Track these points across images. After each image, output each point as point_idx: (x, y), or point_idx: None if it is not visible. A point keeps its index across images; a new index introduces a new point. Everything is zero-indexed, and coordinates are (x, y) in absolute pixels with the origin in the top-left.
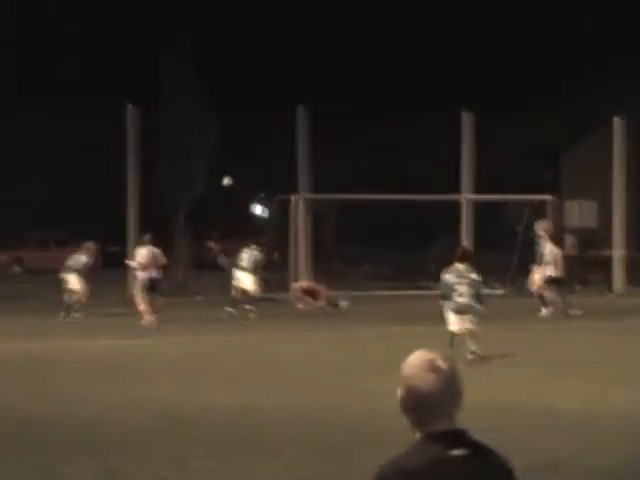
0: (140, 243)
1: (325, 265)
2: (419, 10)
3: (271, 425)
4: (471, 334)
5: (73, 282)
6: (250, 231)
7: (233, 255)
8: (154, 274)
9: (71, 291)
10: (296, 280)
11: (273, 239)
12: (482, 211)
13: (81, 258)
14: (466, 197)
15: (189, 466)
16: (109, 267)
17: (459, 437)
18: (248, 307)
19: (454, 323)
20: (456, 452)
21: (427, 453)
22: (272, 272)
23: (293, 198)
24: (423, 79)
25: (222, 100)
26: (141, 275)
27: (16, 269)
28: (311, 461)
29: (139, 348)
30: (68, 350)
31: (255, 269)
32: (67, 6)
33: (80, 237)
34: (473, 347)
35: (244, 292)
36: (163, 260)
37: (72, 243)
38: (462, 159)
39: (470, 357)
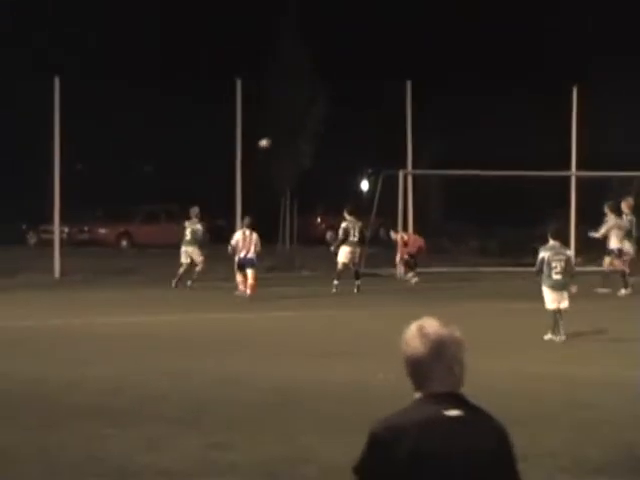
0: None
1: (432, 241)
2: None
3: (379, 402)
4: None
5: (194, 254)
6: (357, 207)
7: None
8: (245, 254)
9: (191, 263)
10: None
11: (379, 215)
12: (591, 188)
13: (198, 227)
14: (575, 174)
15: (298, 441)
16: (216, 242)
17: (454, 399)
18: (357, 282)
19: (552, 301)
20: (450, 413)
21: (420, 412)
22: (378, 248)
23: (401, 174)
24: (531, 54)
25: (330, 76)
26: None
27: (124, 244)
28: None
29: (245, 322)
30: (172, 324)
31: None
32: None
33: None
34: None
35: (345, 265)
36: (258, 246)
37: (182, 217)
38: (572, 135)
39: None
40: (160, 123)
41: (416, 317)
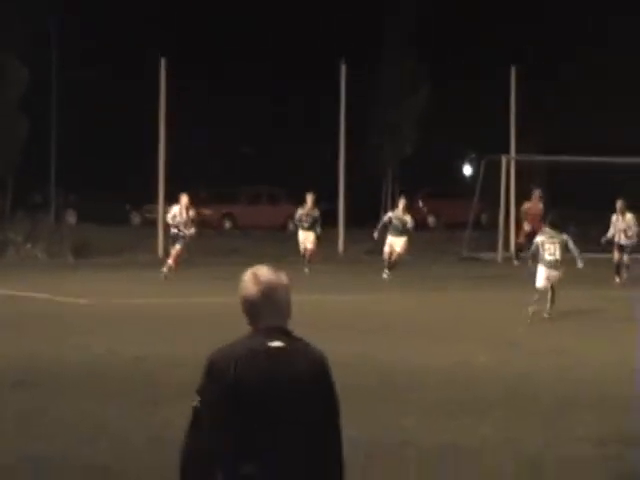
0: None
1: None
2: None
3: (482, 386)
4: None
5: (309, 238)
6: (458, 191)
7: (441, 215)
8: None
9: (305, 248)
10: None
11: (481, 200)
12: None
13: (316, 212)
14: None
15: (400, 423)
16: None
17: (279, 332)
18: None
19: (543, 279)
20: (273, 344)
21: (249, 343)
22: (480, 232)
23: (503, 159)
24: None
25: (434, 62)
26: None
27: (227, 225)
28: (523, 423)
29: (352, 304)
30: None
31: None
32: None
33: (292, 194)
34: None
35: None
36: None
37: (284, 200)
38: None
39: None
40: (262, 106)
41: (508, 301)
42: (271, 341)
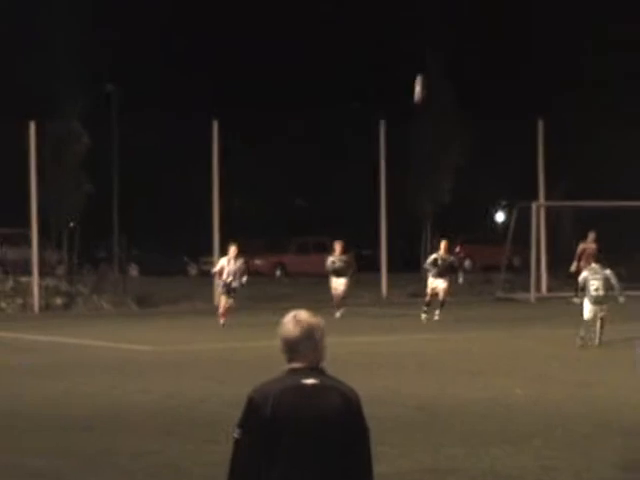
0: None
1: (564, 268)
2: None
3: (519, 417)
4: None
5: (338, 283)
6: (492, 236)
7: (476, 259)
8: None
9: (336, 290)
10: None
11: (513, 244)
12: None
13: (344, 258)
14: None
15: (444, 453)
16: (363, 270)
17: (315, 371)
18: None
19: (589, 312)
20: (307, 381)
21: (287, 381)
22: (513, 274)
23: (534, 205)
24: None
25: (468, 115)
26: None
27: (278, 273)
28: (559, 451)
29: (390, 344)
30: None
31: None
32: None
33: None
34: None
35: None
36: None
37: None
38: None
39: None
40: (311, 161)
41: (542, 338)
42: (306, 378)
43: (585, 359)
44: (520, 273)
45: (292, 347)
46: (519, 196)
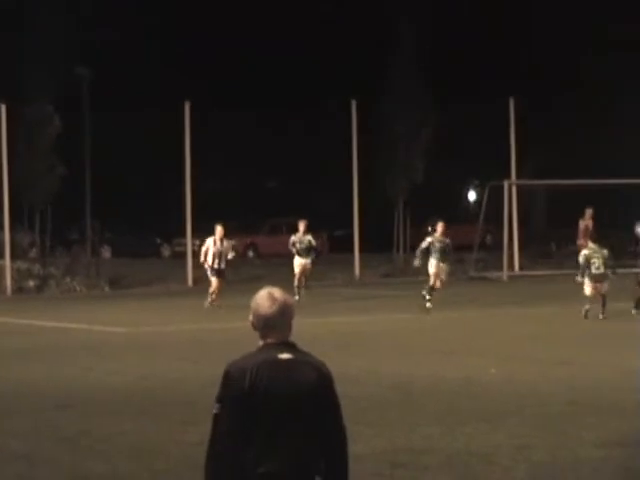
0: None
1: (536, 246)
2: None
3: (494, 396)
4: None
5: (295, 263)
6: (464, 216)
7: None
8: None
9: (298, 269)
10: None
11: (486, 223)
12: None
13: (306, 238)
14: None
15: (419, 432)
16: (335, 251)
17: (287, 346)
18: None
19: (591, 289)
20: (282, 356)
21: (261, 356)
22: (485, 253)
23: (506, 184)
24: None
25: (439, 92)
26: None
27: (250, 254)
28: (533, 429)
29: (365, 324)
30: (304, 325)
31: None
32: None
33: (309, 223)
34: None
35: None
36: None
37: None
38: None
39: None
40: (281, 142)
41: (515, 316)
42: (281, 353)
43: (560, 337)
44: (493, 252)
45: (267, 323)
46: (491, 175)
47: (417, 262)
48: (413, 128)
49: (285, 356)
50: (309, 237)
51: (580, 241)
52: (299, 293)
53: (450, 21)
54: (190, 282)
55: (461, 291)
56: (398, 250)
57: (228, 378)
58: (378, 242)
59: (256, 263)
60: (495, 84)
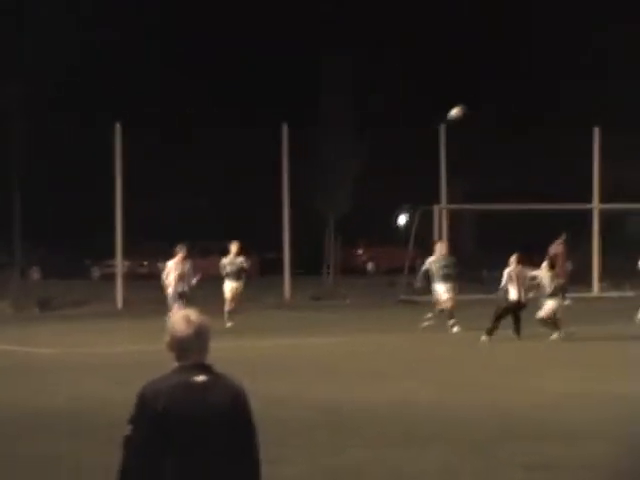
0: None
1: (466, 271)
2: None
3: (423, 420)
4: None
5: (226, 288)
6: (395, 240)
7: (379, 262)
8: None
9: (229, 295)
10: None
11: (416, 247)
12: (609, 220)
13: (238, 260)
14: (597, 206)
15: (347, 455)
16: (265, 274)
17: (202, 368)
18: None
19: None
20: (197, 378)
21: (176, 378)
22: (415, 277)
23: (436, 209)
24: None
25: (370, 117)
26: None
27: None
28: (461, 453)
29: (293, 348)
30: (220, 350)
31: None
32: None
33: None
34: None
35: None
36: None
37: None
38: (593, 171)
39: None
40: (212, 163)
41: (443, 341)
42: (196, 375)
43: (487, 362)
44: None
45: (183, 345)
46: (421, 200)
47: (418, 285)
48: (345, 151)
49: (200, 378)
50: (241, 259)
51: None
52: (231, 319)
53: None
54: (120, 304)
55: (391, 315)
56: (328, 273)
57: (142, 400)
58: (308, 264)
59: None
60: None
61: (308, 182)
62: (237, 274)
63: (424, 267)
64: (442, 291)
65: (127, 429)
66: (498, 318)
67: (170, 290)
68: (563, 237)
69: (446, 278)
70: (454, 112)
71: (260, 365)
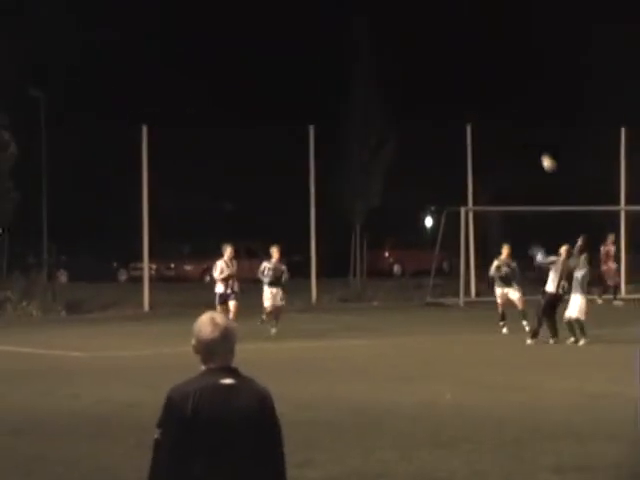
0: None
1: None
2: None
3: (450, 421)
4: None
5: (266, 295)
6: (421, 242)
7: (406, 264)
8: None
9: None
10: (467, 286)
11: (442, 249)
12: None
13: (282, 267)
14: (623, 208)
15: (375, 456)
16: (293, 277)
17: (229, 371)
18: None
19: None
20: (224, 381)
21: (204, 381)
22: (442, 279)
23: (462, 210)
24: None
25: (397, 116)
26: None
27: (207, 279)
28: (489, 454)
29: (322, 350)
30: (250, 352)
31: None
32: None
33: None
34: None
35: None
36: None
37: (261, 253)
38: (621, 172)
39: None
40: (240, 165)
41: (471, 342)
42: (223, 378)
43: (514, 363)
44: (449, 278)
45: (209, 348)
46: (449, 201)
47: (496, 279)
48: (371, 151)
49: (227, 381)
50: (284, 267)
51: (604, 267)
52: (275, 325)
53: (410, 44)
54: (147, 307)
55: (418, 317)
56: (355, 274)
57: (170, 403)
58: (335, 267)
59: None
60: (453, 109)
61: (335, 182)
62: (279, 280)
63: (492, 270)
64: (510, 292)
65: (156, 432)
66: (544, 318)
67: (219, 290)
68: (612, 237)
69: (508, 284)
70: (546, 164)
71: (287, 367)
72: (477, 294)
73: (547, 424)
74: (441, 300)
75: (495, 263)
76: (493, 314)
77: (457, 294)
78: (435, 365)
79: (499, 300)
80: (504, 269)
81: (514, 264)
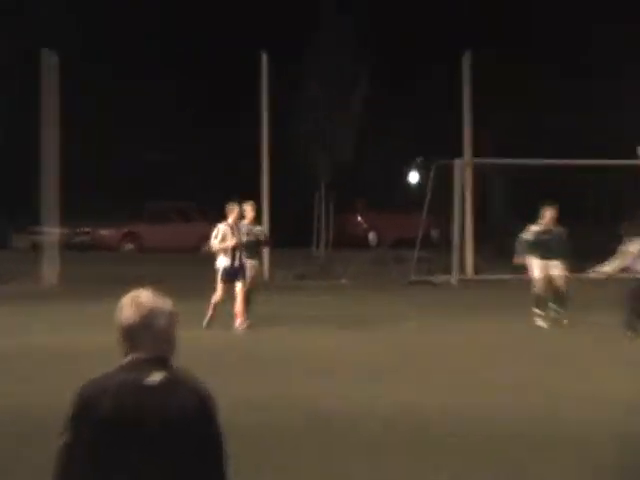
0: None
1: (495, 242)
2: None
3: (429, 424)
4: None
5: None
6: (404, 204)
7: (384, 232)
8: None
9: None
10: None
11: (430, 213)
12: None
13: (257, 229)
14: None
15: (338, 469)
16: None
17: (158, 365)
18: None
19: None
20: (148, 377)
21: (123, 376)
22: (430, 251)
23: (457, 163)
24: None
25: (373, 51)
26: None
27: (129, 246)
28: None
29: (276, 339)
30: (191, 340)
31: None
32: None
33: (208, 209)
34: None
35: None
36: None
37: (198, 216)
38: None
39: None
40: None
41: (465, 332)
42: (147, 374)
43: (516, 357)
44: (439, 250)
45: (130, 335)
46: (437, 152)
47: (521, 260)
48: (341, 90)
49: (154, 377)
50: (259, 228)
51: None
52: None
53: None
54: (51, 281)
55: (398, 299)
56: (318, 245)
57: (80, 402)
58: (294, 235)
59: (136, 258)
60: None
61: (294, 129)
62: (254, 248)
63: (524, 237)
64: (552, 267)
65: (62, 438)
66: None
67: (223, 264)
68: None
69: (549, 254)
70: None
71: (227, 360)
72: (475, 271)
73: (562, 431)
74: (429, 278)
75: (533, 229)
76: (495, 296)
77: (449, 270)
78: (417, 360)
79: (537, 274)
80: (544, 237)
81: (561, 230)
